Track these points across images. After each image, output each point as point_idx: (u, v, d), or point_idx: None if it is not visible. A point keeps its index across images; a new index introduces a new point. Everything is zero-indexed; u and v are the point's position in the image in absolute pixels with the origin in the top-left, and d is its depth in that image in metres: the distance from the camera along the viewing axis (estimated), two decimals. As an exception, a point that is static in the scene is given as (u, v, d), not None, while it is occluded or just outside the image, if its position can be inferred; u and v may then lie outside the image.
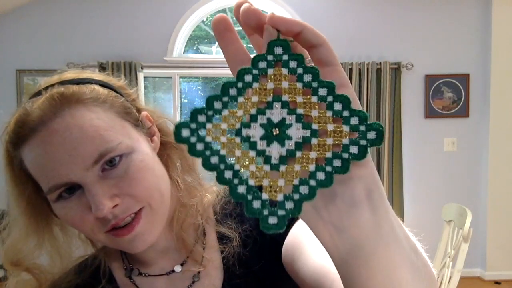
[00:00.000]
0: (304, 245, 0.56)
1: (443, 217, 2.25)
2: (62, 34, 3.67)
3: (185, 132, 0.28)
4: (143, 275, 0.64)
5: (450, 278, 1.94)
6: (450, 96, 3.77)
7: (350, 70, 3.65)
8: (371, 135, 0.28)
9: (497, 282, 3.67)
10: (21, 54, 3.65)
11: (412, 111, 3.78)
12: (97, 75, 0.60)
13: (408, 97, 3.77)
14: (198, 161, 0.73)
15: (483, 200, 3.79)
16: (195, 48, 4.02)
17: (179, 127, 0.28)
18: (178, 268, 0.63)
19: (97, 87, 0.56)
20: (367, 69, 3.65)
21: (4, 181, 0.57)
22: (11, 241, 0.59)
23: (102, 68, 3.54)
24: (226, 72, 3.89)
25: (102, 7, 3.70)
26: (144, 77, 3.76)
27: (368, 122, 0.28)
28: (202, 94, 4.31)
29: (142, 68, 3.65)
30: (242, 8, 0.30)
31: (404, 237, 0.32)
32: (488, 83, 3.72)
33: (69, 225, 0.55)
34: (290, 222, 0.60)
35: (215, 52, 3.98)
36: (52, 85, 0.54)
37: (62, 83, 0.55)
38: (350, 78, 3.64)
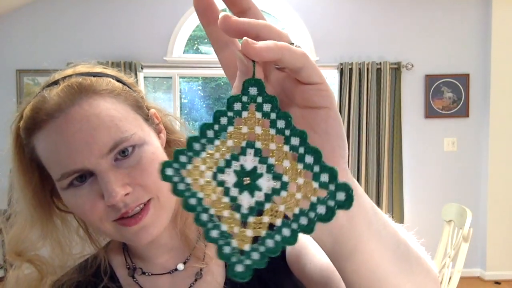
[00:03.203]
0: (308, 243, 0.57)
1: (443, 217, 2.25)
2: (62, 34, 3.67)
3: (169, 171, 0.28)
4: (146, 274, 0.64)
5: (450, 278, 1.94)
6: (450, 96, 3.77)
7: (350, 70, 3.65)
8: (340, 196, 0.26)
9: (497, 282, 3.67)
10: (21, 54, 3.65)
11: (412, 111, 3.78)
12: (109, 70, 0.61)
13: (408, 97, 3.77)
14: None
15: (483, 200, 3.79)
16: (195, 48, 4.02)
17: (164, 165, 0.28)
18: (181, 267, 0.64)
19: (112, 80, 0.57)
20: (367, 69, 3.65)
21: (12, 171, 0.58)
22: (15, 230, 0.60)
23: (102, 68, 3.54)
24: (226, 72, 3.88)
25: (102, 7, 3.70)
26: (144, 77, 3.76)
27: (338, 181, 0.26)
28: (202, 94, 4.31)
29: (142, 68, 3.65)
30: (220, 17, 0.27)
31: (387, 233, 0.34)
32: (488, 83, 3.72)
33: (78, 213, 0.56)
34: None
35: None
36: (69, 76, 0.56)
37: (78, 74, 0.56)
38: (350, 78, 3.65)
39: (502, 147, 3.70)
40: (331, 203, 0.26)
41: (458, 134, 3.81)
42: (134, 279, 0.64)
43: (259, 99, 0.27)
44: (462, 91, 3.77)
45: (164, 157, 0.58)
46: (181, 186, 0.28)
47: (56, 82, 0.55)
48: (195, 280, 0.63)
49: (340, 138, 0.30)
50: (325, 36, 3.74)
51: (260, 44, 0.26)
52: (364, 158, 3.67)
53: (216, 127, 0.28)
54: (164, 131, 0.63)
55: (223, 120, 0.28)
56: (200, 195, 0.28)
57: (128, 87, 0.60)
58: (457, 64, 3.78)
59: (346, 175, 0.30)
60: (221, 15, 0.27)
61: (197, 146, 0.28)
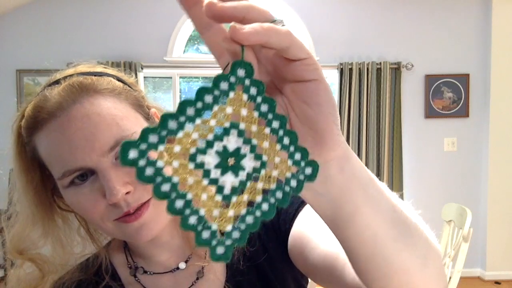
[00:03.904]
0: (310, 234, 0.57)
1: (443, 217, 2.25)
2: (62, 34, 3.67)
3: (133, 153, 0.24)
4: (148, 273, 0.64)
5: (450, 278, 1.94)
6: (450, 96, 3.77)
7: (350, 70, 3.65)
8: (308, 170, 0.30)
9: (497, 282, 3.67)
10: (21, 54, 3.65)
11: (412, 111, 3.78)
12: (110, 70, 0.61)
13: (408, 97, 3.77)
14: None
15: (483, 200, 3.79)
16: (195, 48, 4.02)
17: (126, 146, 0.24)
18: (182, 265, 0.64)
19: (113, 79, 0.58)
20: (367, 69, 3.65)
21: (14, 171, 0.58)
22: (17, 229, 0.60)
23: (102, 68, 3.54)
24: (226, 72, 3.88)
25: (102, 7, 3.70)
26: (144, 77, 3.76)
27: (307, 159, 0.30)
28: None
29: (142, 68, 3.65)
30: (205, 5, 0.28)
31: (384, 200, 0.35)
32: (488, 83, 3.72)
33: (79, 212, 0.56)
34: (293, 215, 0.62)
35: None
36: (70, 76, 0.56)
37: (79, 74, 0.57)
38: (350, 78, 3.65)
39: (502, 147, 3.70)
40: (301, 177, 0.30)
41: (458, 134, 3.81)
42: (136, 278, 0.64)
43: (247, 82, 0.28)
44: (462, 91, 3.76)
45: None
46: (149, 171, 0.24)
47: (57, 82, 0.55)
48: (197, 278, 0.63)
49: (331, 107, 0.31)
50: (325, 36, 3.74)
51: (248, 29, 0.26)
52: (364, 158, 3.67)
53: (199, 104, 0.26)
54: None
55: (208, 99, 0.26)
56: (175, 179, 0.25)
57: (129, 86, 0.60)
58: (457, 64, 3.78)
59: (339, 140, 0.32)
60: (205, 2, 0.27)
61: (173, 124, 0.25)
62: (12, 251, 0.60)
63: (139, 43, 3.70)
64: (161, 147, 0.25)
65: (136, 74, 3.57)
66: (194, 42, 4.02)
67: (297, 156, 0.30)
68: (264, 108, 0.28)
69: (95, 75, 0.57)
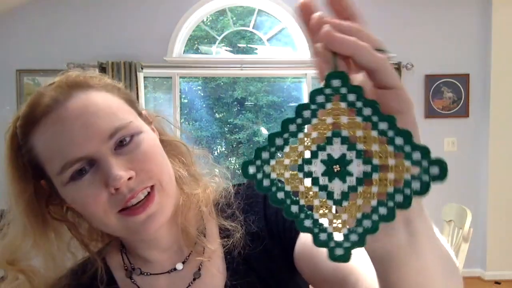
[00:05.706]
0: None
1: (443, 217, 2.25)
2: (62, 34, 3.67)
3: (251, 169, 0.30)
4: (145, 274, 0.64)
5: (450, 278, 1.94)
6: (450, 96, 3.77)
7: (350, 70, 3.64)
8: (434, 170, 0.27)
9: (497, 282, 3.67)
10: (21, 54, 3.64)
11: (412, 111, 3.77)
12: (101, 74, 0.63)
13: (408, 97, 3.76)
14: (197, 158, 0.73)
15: (483, 200, 3.79)
16: (195, 48, 4.02)
17: (245, 164, 0.30)
18: (179, 266, 0.63)
19: (104, 77, 0.60)
20: (367, 69, 3.64)
21: (6, 180, 0.57)
22: (8, 239, 0.59)
23: (102, 68, 3.54)
24: (226, 72, 3.89)
25: (102, 7, 3.70)
26: (144, 77, 3.75)
27: (430, 157, 0.27)
28: (202, 94, 4.31)
29: (142, 68, 3.65)
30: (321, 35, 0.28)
31: (439, 249, 0.34)
32: (488, 83, 3.71)
33: (81, 208, 0.55)
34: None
35: (215, 52, 3.98)
36: (61, 80, 0.57)
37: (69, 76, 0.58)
38: (350, 78, 3.64)
39: (502, 147, 3.70)
40: (426, 177, 0.27)
41: (458, 134, 3.80)
42: (132, 280, 0.63)
43: (343, 90, 0.28)
44: (462, 91, 3.76)
45: (161, 148, 0.59)
46: (266, 183, 0.30)
47: (49, 85, 0.56)
48: (194, 279, 0.62)
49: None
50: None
51: (337, 35, 0.27)
52: (364, 158, 3.66)
53: (299, 120, 0.29)
54: (157, 132, 0.63)
55: (306, 114, 0.29)
56: (288, 188, 0.30)
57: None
58: (457, 64, 3.78)
59: None
60: (324, 30, 0.28)
61: (279, 141, 0.30)
62: (3, 262, 0.59)
63: (139, 43, 3.69)
64: (272, 162, 0.30)
65: (136, 74, 3.57)
66: (194, 42, 4.02)
67: (416, 155, 0.27)
68: (367, 111, 0.28)
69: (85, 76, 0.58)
